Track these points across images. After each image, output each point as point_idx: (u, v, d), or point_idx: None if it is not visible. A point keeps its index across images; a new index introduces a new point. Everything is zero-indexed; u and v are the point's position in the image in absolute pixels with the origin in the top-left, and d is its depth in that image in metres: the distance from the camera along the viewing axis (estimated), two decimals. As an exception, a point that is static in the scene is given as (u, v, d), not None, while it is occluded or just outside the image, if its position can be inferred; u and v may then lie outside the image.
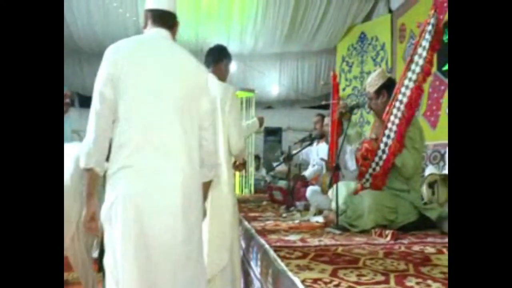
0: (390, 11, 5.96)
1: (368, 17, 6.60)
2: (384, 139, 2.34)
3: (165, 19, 1.59)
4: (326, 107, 8.25)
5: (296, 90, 7.89)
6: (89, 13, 5.73)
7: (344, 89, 6.76)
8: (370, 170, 2.40)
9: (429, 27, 2.30)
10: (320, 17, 6.32)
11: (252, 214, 3.11)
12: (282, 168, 5.57)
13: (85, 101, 6.91)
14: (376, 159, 2.37)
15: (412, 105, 2.29)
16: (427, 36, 2.31)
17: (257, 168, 7.00)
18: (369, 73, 6.63)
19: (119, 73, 1.44)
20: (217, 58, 2.36)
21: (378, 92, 2.47)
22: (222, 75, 2.38)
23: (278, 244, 1.93)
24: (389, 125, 2.34)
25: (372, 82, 2.51)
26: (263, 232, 2.27)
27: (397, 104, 2.33)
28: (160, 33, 1.58)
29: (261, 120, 2.79)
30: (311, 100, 8.35)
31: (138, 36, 1.65)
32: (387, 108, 2.38)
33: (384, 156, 2.33)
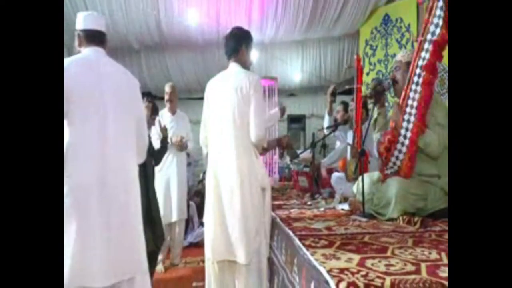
0: (415, -10, 5.79)
1: (392, -2, 6.42)
2: (404, 124, 2.23)
3: (98, 38, 1.90)
4: (350, 92, 8.11)
5: (319, 76, 7.77)
6: (111, 11, 5.78)
7: (368, 74, 6.62)
8: (393, 159, 2.29)
9: (440, 3, 2.17)
10: (342, 1, 6.14)
11: (276, 202, 3.08)
12: (306, 155, 5.50)
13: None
14: (398, 146, 2.26)
15: (429, 83, 2.18)
16: (438, 12, 2.18)
17: (281, 156, 6.97)
18: (393, 56, 6.46)
19: (72, 90, 1.70)
20: (235, 46, 2.31)
21: (409, 64, 2.35)
22: (245, 62, 2.33)
23: (303, 232, 1.90)
24: (408, 109, 2.23)
25: (406, 54, 2.40)
26: (288, 220, 2.24)
27: (413, 86, 2.22)
28: (98, 52, 1.89)
29: (282, 110, 2.74)
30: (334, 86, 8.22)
31: (81, 56, 1.89)
32: (403, 93, 2.28)
33: (407, 142, 2.22)
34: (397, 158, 2.27)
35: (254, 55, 6.95)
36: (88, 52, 1.88)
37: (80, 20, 1.91)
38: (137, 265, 1.86)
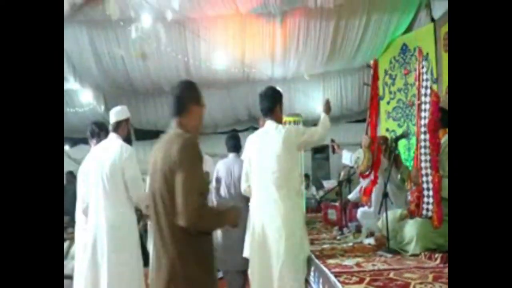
0: (432, 20, 5.88)
1: (409, 28, 6.54)
2: (424, 178, 2.47)
3: (118, 127, 2.86)
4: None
5: (340, 106, 8.03)
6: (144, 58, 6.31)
7: (388, 102, 6.76)
8: (424, 212, 2.47)
9: (424, 69, 2.59)
10: (361, 34, 6.38)
11: (308, 237, 3.35)
12: (331, 185, 5.74)
13: (140, 134, 7.69)
14: (425, 199, 2.46)
15: (434, 137, 2.43)
16: (425, 76, 2.55)
17: (306, 187, 7.24)
18: (413, 84, 6.60)
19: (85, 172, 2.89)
20: (271, 106, 2.61)
21: None
22: (279, 118, 2.66)
23: (337, 269, 2.19)
24: (423, 164, 2.48)
25: None
26: (322, 257, 2.53)
27: (422, 143, 2.49)
28: (112, 137, 2.84)
29: (327, 105, 3.01)
30: (355, 114, 8.48)
31: (100, 144, 2.91)
32: (416, 152, 2.56)
33: (431, 193, 2.42)
34: (427, 210, 2.48)
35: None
36: (109, 137, 2.88)
37: (112, 115, 2.90)
38: None
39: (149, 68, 6.49)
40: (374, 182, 2.89)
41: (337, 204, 3.86)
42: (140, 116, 7.64)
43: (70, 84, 6.75)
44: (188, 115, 1.78)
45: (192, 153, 1.62)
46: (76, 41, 5.99)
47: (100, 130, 3.11)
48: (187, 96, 1.80)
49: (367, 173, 2.92)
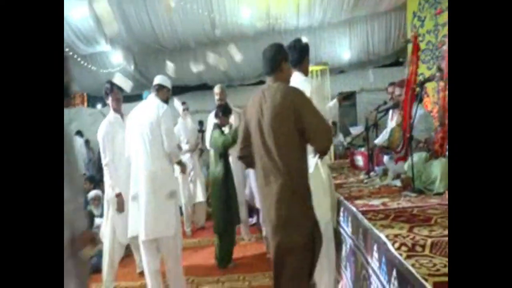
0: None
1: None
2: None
3: (158, 89, 3.12)
4: (397, 64, 8.21)
5: (367, 52, 7.96)
6: (170, 17, 6.41)
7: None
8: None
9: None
10: None
11: (337, 182, 3.58)
12: (358, 131, 5.88)
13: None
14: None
15: None
16: None
17: (333, 134, 7.40)
18: (444, 24, 6.41)
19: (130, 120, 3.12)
20: (298, 58, 2.68)
21: None
22: (306, 70, 2.77)
23: (364, 208, 2.40)
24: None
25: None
26: (350, 199, 2.74)
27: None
28: (152, 97, 3.11)
29: (340, 100, 3.18)
30: (382, 59, 8.38)
31: (143, 101, 3.19)
32: (442, 94, 2.64)
33: None
34: None
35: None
36: (148, 97, 3.14)
37: (157, 79, 3.19)
38: (167, 228, 2.87)
39: (175, 25, 6.60)
40: (405, 158, 3.00)
41: (363, 149, 4.00)
42: (168, 75, 7.86)
43: (102, 46, 7.00)
44: (281, 71, 2.13)
45: (306, 96, 2.08)
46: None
47: (112, 86, 3.35)
48: (279, 56, 2.12)
49: (398, 149, 3.06)
